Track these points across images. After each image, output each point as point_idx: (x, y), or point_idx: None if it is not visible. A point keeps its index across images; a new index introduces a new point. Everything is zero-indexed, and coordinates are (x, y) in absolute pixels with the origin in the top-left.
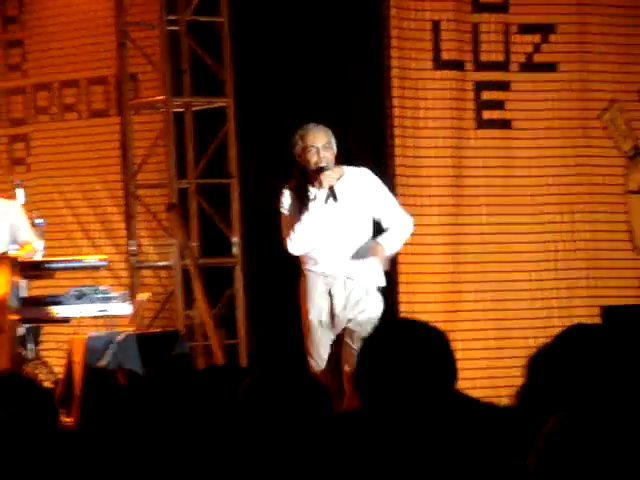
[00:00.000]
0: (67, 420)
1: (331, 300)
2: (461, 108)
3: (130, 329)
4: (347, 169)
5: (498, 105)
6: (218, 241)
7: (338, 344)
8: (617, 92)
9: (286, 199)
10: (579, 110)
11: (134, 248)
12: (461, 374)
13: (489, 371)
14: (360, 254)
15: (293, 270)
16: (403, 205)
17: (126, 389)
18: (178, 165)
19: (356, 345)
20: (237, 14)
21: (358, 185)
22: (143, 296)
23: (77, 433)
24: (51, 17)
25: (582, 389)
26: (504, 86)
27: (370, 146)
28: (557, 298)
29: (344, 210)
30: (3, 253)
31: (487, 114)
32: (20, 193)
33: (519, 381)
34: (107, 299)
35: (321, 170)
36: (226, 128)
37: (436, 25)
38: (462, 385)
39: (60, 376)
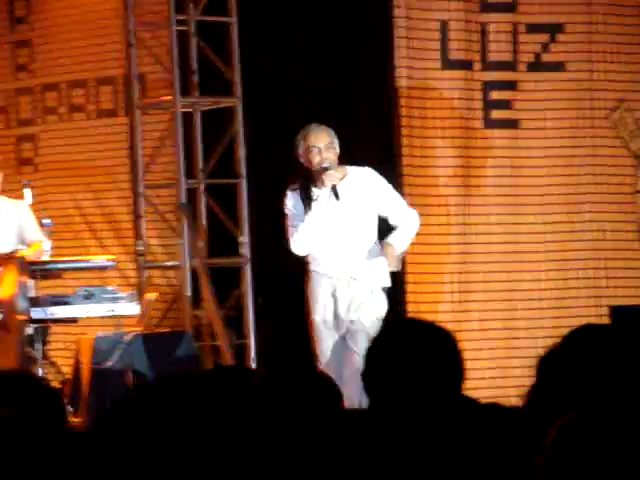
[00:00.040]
0: (75, 420)
1: (335, 301)
2: (469, 108)
3: (138, 329)
4: (350, 169)
5: (506, 105)
6: (226, 241)
7: (342, 345)
8: (626, 92)
9: (289, 200)
10: (587, 110)
11: (142, 248)
12: (469, 374)
13: (497, 371)
14: (372, 255)
15: (301, 270)
16: (411, 205)
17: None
18: (186, 165)
19: (357, 347)
20: (245, 14)
21: (362, 185)
22: (151, 296)
23: (85, 433)
24: (59, 17)
25: (591, 389)
26: (512, 86)
27: (378, 146)
28: (566, 298)
29: (348, 210)
30: (11, 253)
31: (495, 114)
32: (28, 193)
33: (527, 381)
34: (115, 299)
35: (324, 170)
36: (234, 128)
37: (444, 25)
38: (470, 385)
39: (68, 376)
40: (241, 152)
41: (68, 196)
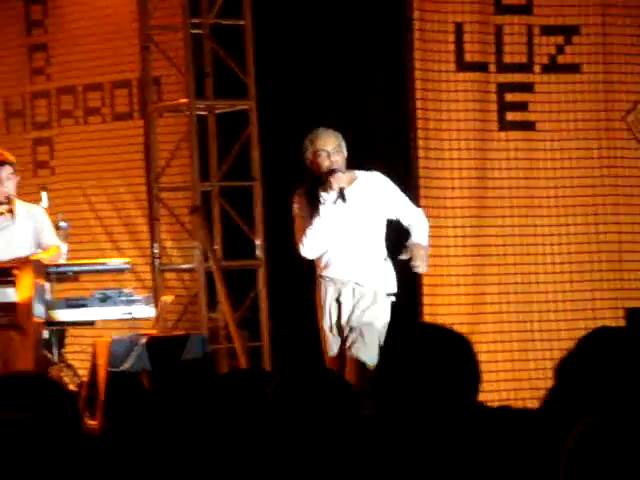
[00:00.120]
0: (91, 423)
1: (339, 306)
2: (484, 110)
3: (154, 332)
4: (359, 173)
5: (521, 107)
6: (241, 243)
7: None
8: None
9: (298, 204)
10: (603, 111)
11: (158, 251)
12: (485, 377)
13: (513, 373)
14: (379, 259)
15: (315, 272)
16: (425, 207)
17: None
18: (201, 168)
19: (354, 354)
20: (260, 17)
21: (370, 189)
22: (167, 299)
23: (101, 436)
24: (75, 21)
25: (608, 392)
26: (527, 88)
27: (393, 148)
28: (581, 300)
29: (356, 214)
30: (27, 256)
31: (510, 116)
32: (44, 196)
33: (543, 384)
34: (131, 302)
35: (332, 172)
36: (249, 131)
37: (459, 27)
38: (486, 389)
39: (84, 379)
40: (256, 155)
41: (84, 199)
